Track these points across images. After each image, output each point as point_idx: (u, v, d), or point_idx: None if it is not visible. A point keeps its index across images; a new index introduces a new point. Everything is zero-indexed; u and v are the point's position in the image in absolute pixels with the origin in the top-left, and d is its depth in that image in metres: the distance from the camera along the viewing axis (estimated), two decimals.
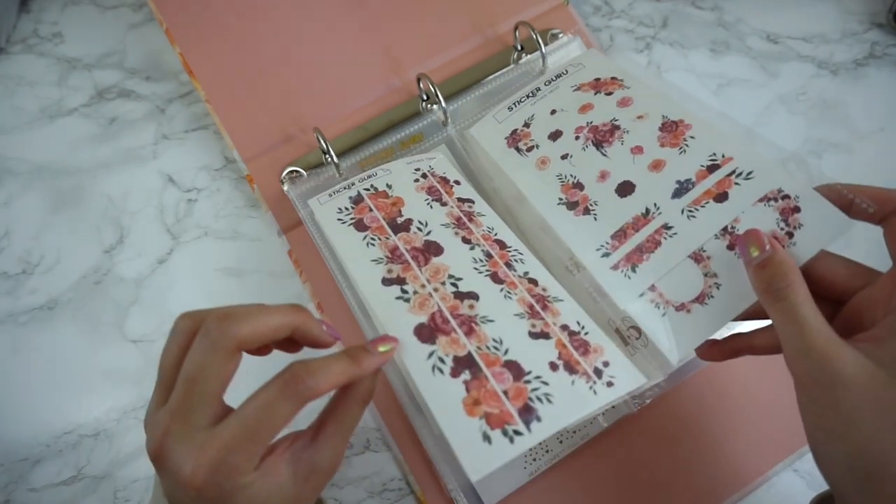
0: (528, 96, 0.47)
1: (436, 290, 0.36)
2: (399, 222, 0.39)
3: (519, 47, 0.51)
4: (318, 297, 0.46)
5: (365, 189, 0.42)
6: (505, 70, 0.50)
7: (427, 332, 0.34)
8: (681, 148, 0.39)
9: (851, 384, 0.27)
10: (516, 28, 0.50)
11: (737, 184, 0.37)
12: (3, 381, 0.46)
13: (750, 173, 0.37)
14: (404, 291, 0.36)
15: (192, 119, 0.54)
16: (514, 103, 0.47)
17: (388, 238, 0.39)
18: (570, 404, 0.33)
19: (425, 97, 0.49)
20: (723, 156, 0.38)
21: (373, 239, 0.39)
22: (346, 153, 0.48)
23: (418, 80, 0.48)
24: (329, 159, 0.46)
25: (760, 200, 0.36)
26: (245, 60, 0.51)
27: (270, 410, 0.27)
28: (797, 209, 0.35)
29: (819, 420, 0.28)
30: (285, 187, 0.47)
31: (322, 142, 0.45)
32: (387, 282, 0.37)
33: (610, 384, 0.34)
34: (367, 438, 0.44)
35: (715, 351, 0.36)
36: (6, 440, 0.45)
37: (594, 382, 0.34)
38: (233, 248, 0.50)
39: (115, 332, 0.47)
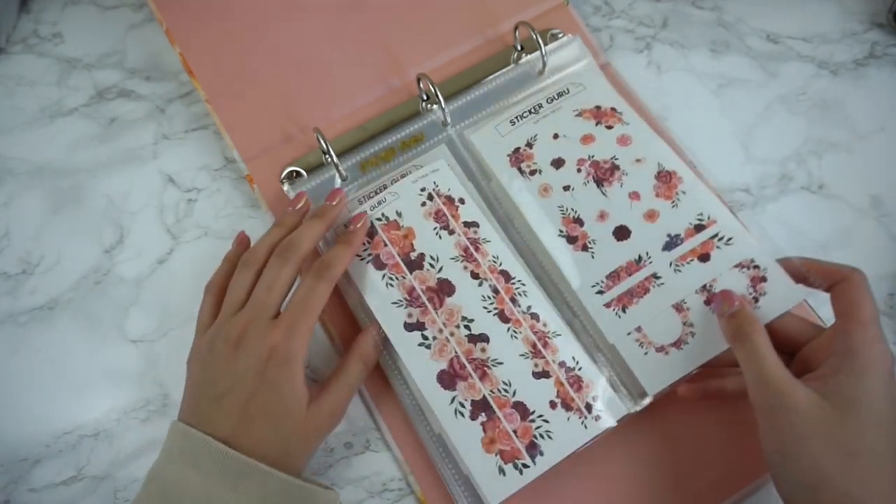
0: (530, 112, 0.48)
1: (451, 334, 0.42)
2: (413, 258, 0.43)
3: (519, 47, 0.51)
4: None
5: (377, 219, 0.44)
6: (505, 70, 0.50)
7: (448, 379, 0.41)
8: (673, 202, 0.44)
9: (802, 412, 0.33)
10: (516, 28, 0.50)
11: (718, 247, 0.43)
12: (3, 381, 0.46)
13: (730, 240, 0.42)
14: (424, 338, 0.42)
15: (192, 119, 0.54)
16: (517, 117, 0.48)
17: (404, 278, 0.43)
18: (567, 439, 0.40)
19: (425, 97, 0.49)
20: (708, 217, 0.43)
21: (391, 279, 0.43)
22: (346, 153, 0.48)
23: (418, 80, 0.48)
24: (329, 159, 0.46)
25: (736, 266, 0.42)
26: (245, 60, 0.51)
27: (312, 292, 0.38)
28: (764, 279, 0.41)
29: (775, 444, 0.34)
30: (285, 187, 0.47)
31: (322, 142, 0.45)
32: (408, 327, 0.42)
33: (598, 418, 0.40)
34: (367, 438, 0.44)
35: (691, 390, 0.41)
36: (6, 440, 0.45)
37: (585, 418, 0.40)
38: None
39: (115, 333, 0.47)
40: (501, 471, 0.39)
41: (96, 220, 0.51)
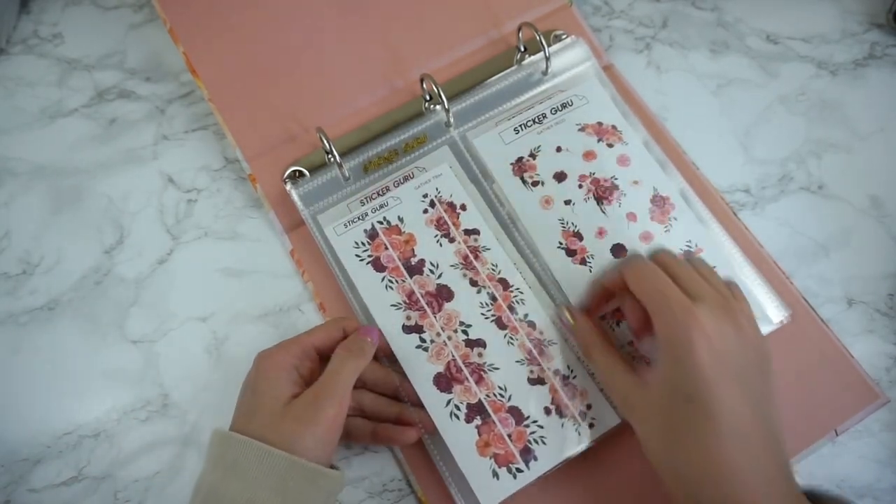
0: (534, 122, 0.48)
1: (449, 338, 0.43)
2: (413, 263, 0.44)
3: (522, 48, 0.51)
4: (319, 297, 0.46)
5: (378, 222, 0.45)
6: (508, 71, 0.50)
7: (444, 382, 0.42)
8: (666, 227, 0.46)
9: (637, 407, 0.37)
10: (520, 29, 0.50)
11: None
12: (4, 381, 0.46)
13: (714, 267, 0.42)
14: (422, 340, 0.43)
15: (192, 119, 0.54)
16: (521, 126, 0.48)
17: (404, 281, 0.44)
18: (560, 445, 0.41)
19: (428, 98, 0.49)
20: (696, 245, 0.45)
21: (391, 281, 0.44)
22: (349, 153, 0.48)
23: (421, 81, 0.48)
24: (332, 160, 0.46)
25: None
26: (248, 60, 0.51)
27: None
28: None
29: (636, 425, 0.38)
30: (287, 187, 0.47)
31: (325, 142, 0.45)
32: (407, 329, 0.43)
33: (591, 425, 0.41)
34: None
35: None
36: (6, 440, 0.44)
37: (579, 424, 0.41)
38: (233, 248, 0.50)
39: (116, 333, 0.47)
40: (495, 474, 0.40)
41: (96, 221, 0.51)
